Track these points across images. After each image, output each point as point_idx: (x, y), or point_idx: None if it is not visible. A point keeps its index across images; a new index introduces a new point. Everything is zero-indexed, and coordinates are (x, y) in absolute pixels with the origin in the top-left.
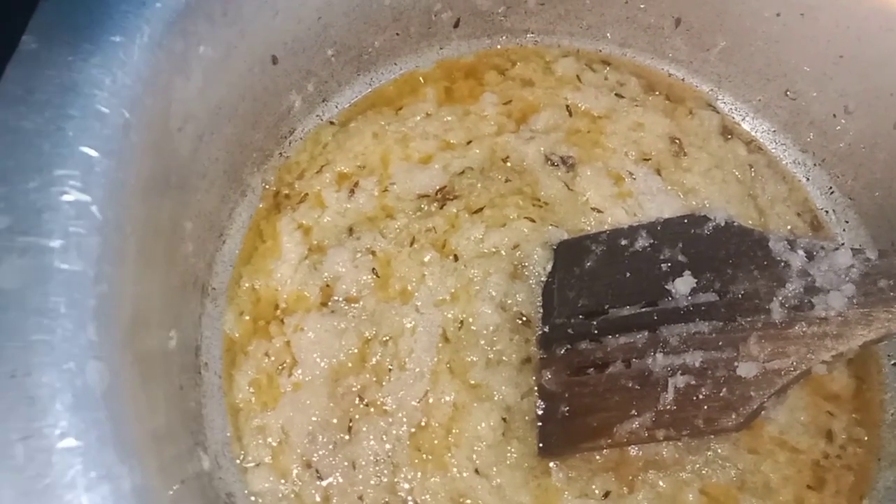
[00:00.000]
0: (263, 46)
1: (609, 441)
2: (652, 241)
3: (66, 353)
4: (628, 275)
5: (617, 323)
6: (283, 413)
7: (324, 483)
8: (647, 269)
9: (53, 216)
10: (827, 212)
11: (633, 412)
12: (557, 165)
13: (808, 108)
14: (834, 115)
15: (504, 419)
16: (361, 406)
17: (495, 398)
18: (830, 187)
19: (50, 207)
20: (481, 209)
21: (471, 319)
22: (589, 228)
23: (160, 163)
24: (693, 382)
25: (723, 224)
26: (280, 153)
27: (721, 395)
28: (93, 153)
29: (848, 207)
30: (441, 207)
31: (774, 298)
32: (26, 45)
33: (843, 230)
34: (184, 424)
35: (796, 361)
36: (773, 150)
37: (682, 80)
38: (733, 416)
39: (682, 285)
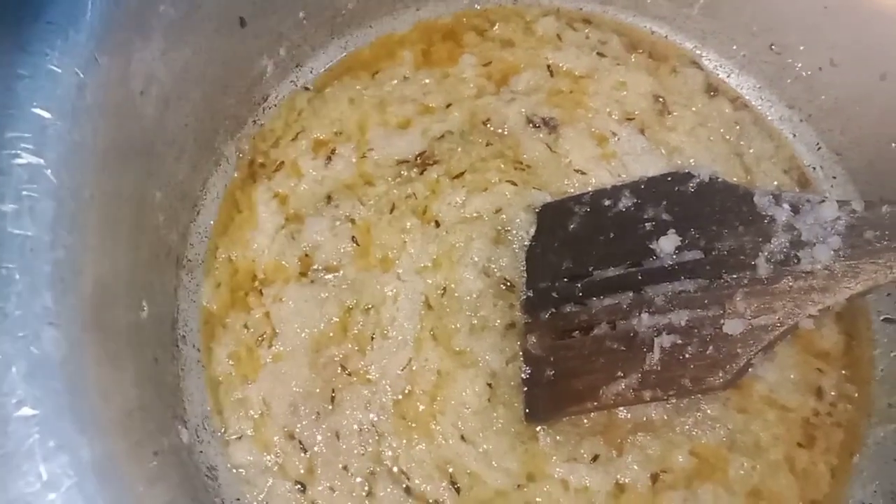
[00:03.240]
0: (230, 7)
1: (595, 404)
2: (635, 200)
3: (21, 320)
4: (612, 235)
5: (601, 284)
6: (263, 385)
7: (307, 454)
8: (631, 228)
9: (5, 180)
10: (814, 168)
11: (619, 374)
12: (539, 127)
13: (793, 63)
14: (820, 69)
15: (489, 385)
16: (344, 375)
17: (480, 364)
18: (817, 143)
19: (1, 171)
20: (462, 174)
21: (453, 286)
22: (572, 190)
23: (122, 127)
24: (679, 342)
25: (707, 180)
26: (254, 121)
27: (707, 353)
28: (45, 114)
29: (835, 163)
30: (421, 173)
31: (760, 254)
32: None
33: (831, 186)
34: (160, 397)
35: (783, 317)
36: (759, 107)
37: (665, 37)
38: (720, 375)
39: (667, 244)
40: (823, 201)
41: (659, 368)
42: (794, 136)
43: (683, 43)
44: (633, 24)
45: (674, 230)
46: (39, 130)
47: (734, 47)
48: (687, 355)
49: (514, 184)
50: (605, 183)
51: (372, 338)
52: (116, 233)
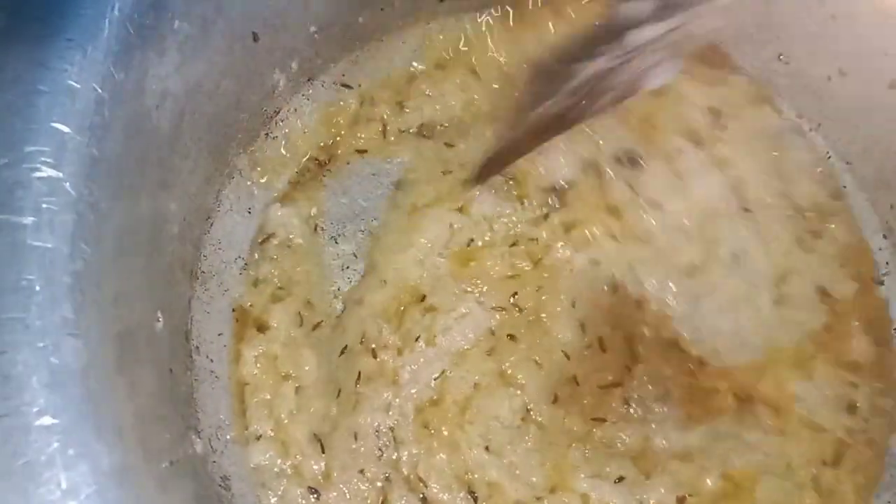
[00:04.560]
0: (243, 22)
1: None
2: None
3: (41, 330)
4: None
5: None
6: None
7: (324, 457)
8: None
9: (25, 193)
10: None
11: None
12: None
13: (802, 72)
14: (829, 78)
15: (528, 409)
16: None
17: (523, 390)
18: (827, 152)
19: (21, 184)
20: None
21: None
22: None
23: (138, 140)
24: None
25: None
26: (266, 133)
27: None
28: (65, 129)
29: (845, 172)
30: (545, 217)
31: None
32: None
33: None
34: (174, 407)
35: None
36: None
37: None
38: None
39: None
40: None
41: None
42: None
43: None
44: None
45: None
46: (59, 145)
47: (743, 57)
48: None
49: (616, 239)
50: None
51: (416, 339)
52: (132, 244)
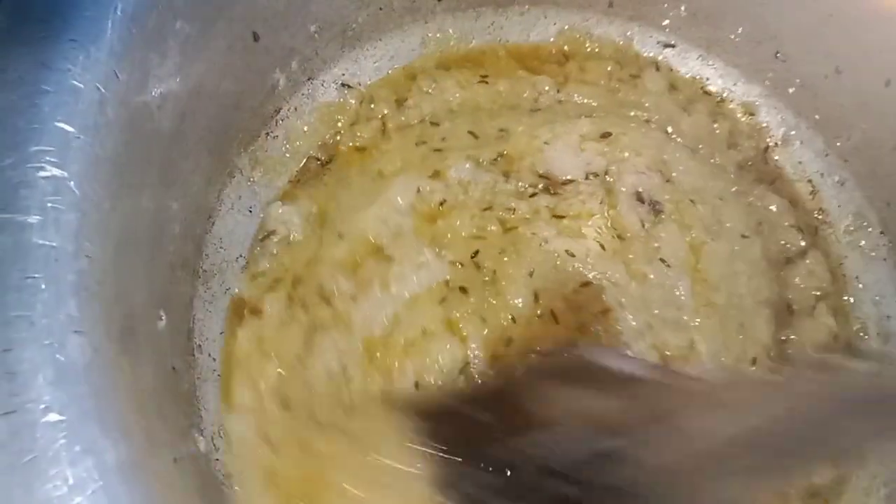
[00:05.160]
0: (243, 22)
1: None
2: None
3: (47, 328)
4: None
5: None
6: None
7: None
8: None
9: (30, 192)
10: (822, 174)
11: None
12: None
13: (799, 70)
14: (825, 76)
15: (469, 363)
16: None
17: (470, 346)
18: (825, 150)
19: (26, 184)
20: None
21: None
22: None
23: (140, 140)
24: None
25: None
26: (266, 133)
27: None
28: (69, 128)
29: (843, 169)
30: (532, 196)
31: None
32: None
33: (839, 192)
34: (177, 405)
35: None
36: (766, 115)
37: (673, 44)
38: None
39: None
40: None
41: None
42: (801, 143)
43: (689, 52)
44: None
45: None
46: (63, 144)
47: (739, 56)
48: None
49: (603, 248)
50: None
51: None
52: (135, 243)
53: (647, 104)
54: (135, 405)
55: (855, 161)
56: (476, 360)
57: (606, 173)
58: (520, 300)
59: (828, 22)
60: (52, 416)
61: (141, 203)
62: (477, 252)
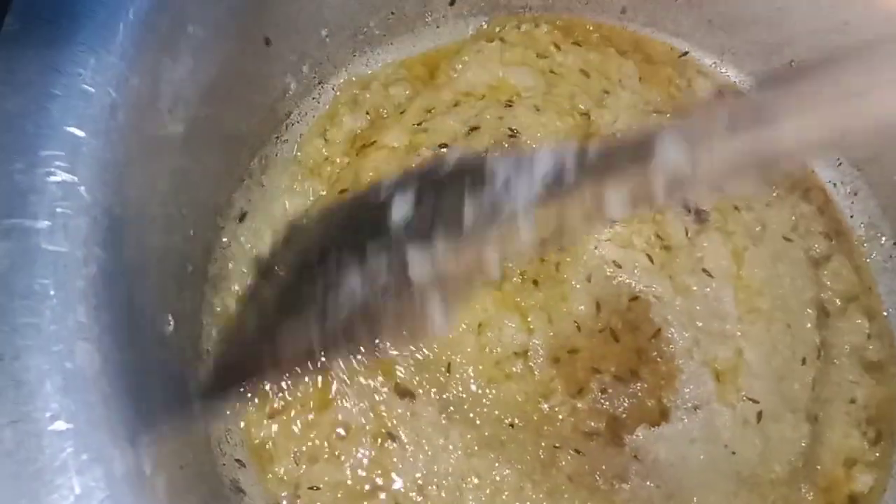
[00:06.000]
0: (255, 27)
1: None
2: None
3: (55, 335)
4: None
5: None
6: None
7: None
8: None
9: (39, 198)
10: (835, 184)
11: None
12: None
13: None
14: None
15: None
16: None
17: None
18: (838, 159)
19: (35, 189)
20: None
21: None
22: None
23: (151, 144)
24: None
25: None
26: (276, 137)
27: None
28: (79, 133)
29: (856, 178)
30: None
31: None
32: (9, 27)
33: (852, 203)
34: (183, 411)
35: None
36: None
37: (686, 53)
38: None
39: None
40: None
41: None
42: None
43: (702, 59)
44: (652, 37)
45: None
46: (73, 149)
47: (753, 63)
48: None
49: (652, 261)
50: None
51: None
52: (145, 249)
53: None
54: (142, 413)
55: (869, 170)
56: (538, 356)
57: None
58: (582, 307)
59: (844, 29)
60: (60, 425)
61: (151, 208)
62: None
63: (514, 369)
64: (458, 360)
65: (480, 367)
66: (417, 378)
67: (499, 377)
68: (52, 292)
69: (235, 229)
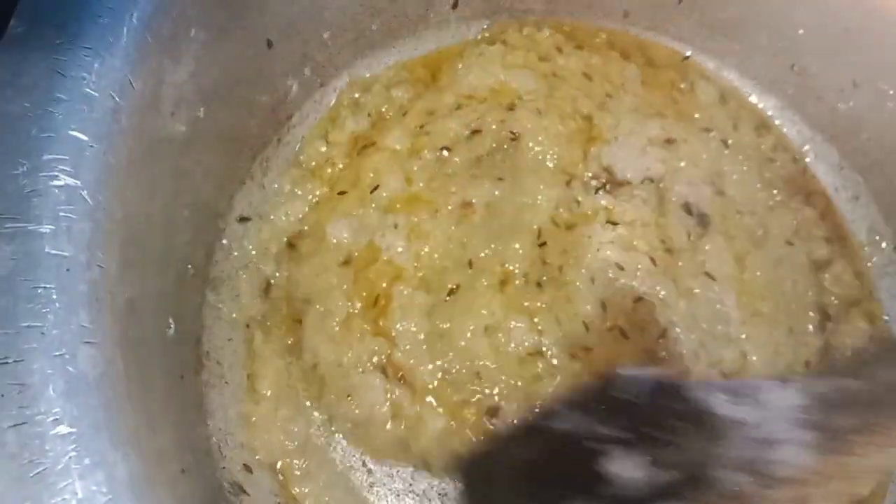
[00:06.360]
0: (257, 29)
1: None
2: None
3: (58, 339)
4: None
5: None
6: None
7: None
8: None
9: (43, 201)
10: (837, 189)
11: None
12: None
13: (815, 83)
14: (842, 90)
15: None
16: None
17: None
18: (840, 164)
19: (39, 192)
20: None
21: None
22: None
23: (153, 148)
24: None
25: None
26: (278, 139)
27: None
28: (82, 137)
29: (858, 183)
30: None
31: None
32: (14, 30)
33: (854, 208)
34: (184, 414)
35: None
36: (782, 128)
37: (687, 56)
38: None
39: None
40: (772, 385)
41: None
42: (817, 156)
43: (705, 63)
44: (655, 41)
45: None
46: (76, 153)
47: (755, 67)
48: None
49: (654, 263)
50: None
51: None
52: (147, 252)
53: (697, 115)
54: (144, 416)
55: (871, 175)
56: (554, 356)
57: (661, 181)
58: (589, 307)
59: (846, 35)
60: (62, 429)
61: (153, 211)
62: (544, 243)
63: (537, 368)
64: (483, 363)
65: (507, 369)
66: (456, 397)
67: (527, 376)
68: (55, 296)
69: (236, 231)
